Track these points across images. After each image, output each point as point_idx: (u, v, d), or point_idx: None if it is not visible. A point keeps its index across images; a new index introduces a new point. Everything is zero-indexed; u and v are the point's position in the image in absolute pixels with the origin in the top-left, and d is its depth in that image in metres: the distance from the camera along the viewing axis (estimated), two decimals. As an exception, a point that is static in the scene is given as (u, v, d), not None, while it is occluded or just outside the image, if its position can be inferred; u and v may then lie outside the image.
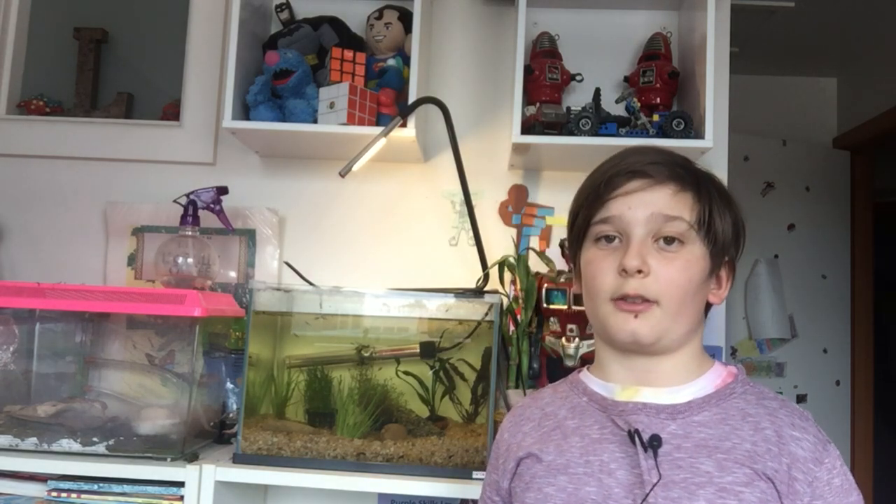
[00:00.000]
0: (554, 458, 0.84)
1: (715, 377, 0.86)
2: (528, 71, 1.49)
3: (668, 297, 0.81)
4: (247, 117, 1.52)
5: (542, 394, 0.96)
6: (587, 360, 1.32)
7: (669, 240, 0.82)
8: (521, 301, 1.37)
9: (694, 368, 0.86)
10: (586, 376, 0.92)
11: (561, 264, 1.40)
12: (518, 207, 1.66)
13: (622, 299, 0.82)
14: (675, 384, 0.85)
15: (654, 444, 0.79)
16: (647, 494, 0.77)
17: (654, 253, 0.82)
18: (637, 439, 0.80)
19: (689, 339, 0.85)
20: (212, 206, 1.50)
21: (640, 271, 0.80)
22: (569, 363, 1.32)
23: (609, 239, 0.84)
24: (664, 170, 0.84)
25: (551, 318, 1.36)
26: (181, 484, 1.23)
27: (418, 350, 1.38)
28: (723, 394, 0.84)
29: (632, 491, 0.78)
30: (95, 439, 1.29)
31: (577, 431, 0.86)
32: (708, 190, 0.85)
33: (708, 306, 0.88)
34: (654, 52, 1.56)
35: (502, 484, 0.91)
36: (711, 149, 1.42)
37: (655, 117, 1.46)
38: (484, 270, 1.45)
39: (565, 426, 0.87)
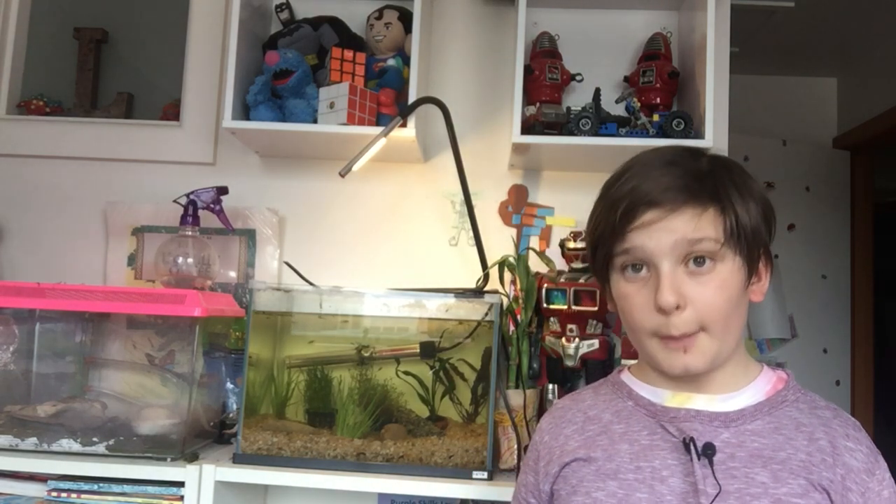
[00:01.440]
0: (603, 463, 0.83)
1: (765, 383, 0.86)
2: (528, 71, 1.49)
3: (711, 322, 0.79)
4: (247, 117, 1.52)
5: (583, 395, 0.94)
6: (587, 359, 1.32)
7: (700, 260, 0.79)
8: (521, 301, 1.37)
9: (742, 373, 0.85)
10: (629, 379, 0.90)
11: (561, 264, 1.40)
12: (518, 207, 1.66)
13: (668, 337, 0.80)
14: (727, 391, 0.84)
15: (708, 452, 0.78)
16: None
17: (687, 279, 0.79)
18: (693, 447, 0.79)
19: (737, 347, 0.84)
20: (212, 206, 1.50)
21: (677, 307, 0.78)
22: (569, 363, 1.32)
23: (636, 268, 0.82)
24: (680, 195, 0.79)
25: (551, 318, 1.36)
26: (181, 484, 1.23)
27: (418, 350, 1.38)
28: (774, 402, 0.83)
29: (685, 500, 0.78)
30: (95, 439, 1.29)
31: (625, 437, 0.84)
32: (728, 194, 0.80)
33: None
34: (654, 52, 1.56)
35: (542, 487, 0.89)
36: (711, 149, 1.41)
37: (655, 117, 1.46)
38: (484, 270, 1.45)
39: (612, 431, 0.86)
